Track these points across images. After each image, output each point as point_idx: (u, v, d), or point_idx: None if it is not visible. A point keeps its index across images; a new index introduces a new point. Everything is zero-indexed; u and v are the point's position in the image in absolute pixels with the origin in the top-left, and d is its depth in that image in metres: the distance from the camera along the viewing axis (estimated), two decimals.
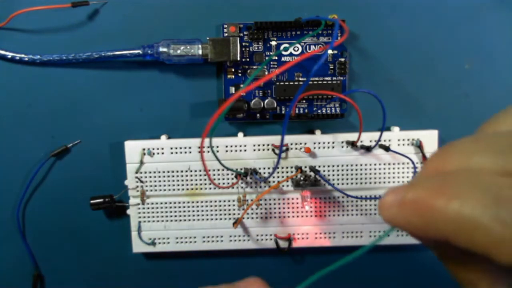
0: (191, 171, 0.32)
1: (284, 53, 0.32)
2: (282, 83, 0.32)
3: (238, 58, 0.31)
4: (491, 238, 0.10)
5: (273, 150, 0.32)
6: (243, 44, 0.32)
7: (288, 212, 0.33)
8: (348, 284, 0.35)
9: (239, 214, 0.33)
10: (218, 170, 0.32)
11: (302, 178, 0.32)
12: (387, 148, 0.32)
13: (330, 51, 0.32)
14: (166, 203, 0.33)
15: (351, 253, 0.15)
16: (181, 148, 0.32)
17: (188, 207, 0.33)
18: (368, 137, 0.32)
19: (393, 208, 0.12)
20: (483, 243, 0.11)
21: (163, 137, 0.33)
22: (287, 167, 0.32)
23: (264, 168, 0.32)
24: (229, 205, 0.33)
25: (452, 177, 0.11)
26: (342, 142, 0.32)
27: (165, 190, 0.33)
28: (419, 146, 0.32)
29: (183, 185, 0.33)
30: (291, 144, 0.32)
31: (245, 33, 0.32)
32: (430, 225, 0.12)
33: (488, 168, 0.11)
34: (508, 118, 0.14)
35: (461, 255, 0.12)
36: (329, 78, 0.32)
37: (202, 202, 0.33)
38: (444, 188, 0.11)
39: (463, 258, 0.13)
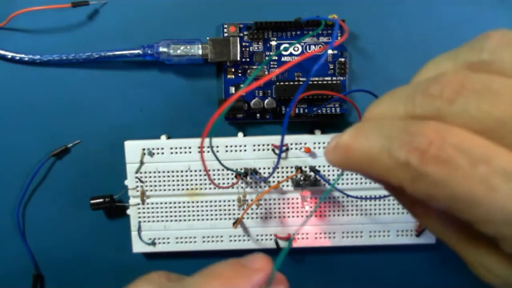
0: (191, 171, 0.32)
1: (284, 53, 0.32)
2: (282, 83, 0.32)
3: (238, 58, 0.31)
4: (383, 166, 0.14)
5: (273, 150, 0.32)
6: (243, 44, 0.32)
7: (288, 212, 0.33)
8: (347, 284, 0.35)
9: (239, 214, 0.33)
10: (218, 170, 0.32)
11: (302, 178, 0.32)
12: None
13: (330, 51, 0.32)
14: (166, 203, 0.33)
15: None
16: (181, 148, 0.32)
17: (188, 207, 0.33)
18: None
19: (330, 152, 0.16)
20: (380, 171, 0.14)
21: (163, 137, 0.33)
22: (287, 167, 0.33)
23: (264, 168, 0.32)
24: (229, 205, 0.33)
25: (364, 124, 0.15)
26: None
27: (165, 190, 0.33)
28: None
29: (183, 185, 0.33)
30: (291, 144, 0.32)
31: (245, 33, 0.32)
32: (351, 162, 0.15)
33: (391, 113, 0.15)
34: (431, 68, 0.17)
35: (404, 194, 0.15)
36: (329, 78, 0.32)
37: (202, 202, 0.33)
38: (357, 133, 0.15)
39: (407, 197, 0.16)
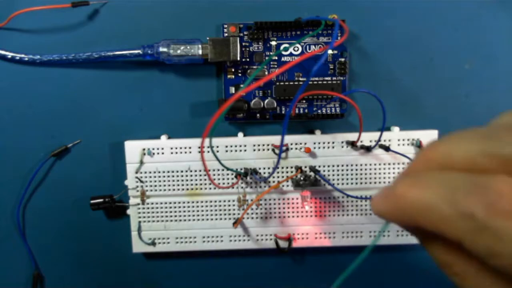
0: (191, 171, 0.32)
1: (284, 53, 0.32)
2: (282, 83, 0.32)
3: (238, 58, 0.31)
4: (441, 217, 0.13)
5: (273, 150, 0.32)
6: (243, 44, 0.32)
7: (288, 212, 0.33)
8: (347, 284, 0.35)
9: (239, 214, 0.33)
10: (218, 170, 0.32)
11: (302, 178, 0.32)
12: (387, 148, 0.32)
13: (330, 51, 0.32)
14: (166, 203, 0.33)
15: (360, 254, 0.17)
16: (181, 148, 0.32)
17: (188, 207, 0.33)
18: (368, 137, 0.32)
19: (379, 201, 0.15)
20: (436, 222, 0.13)
21: (163, 137, 0.33)
22: (287, 167, 0.32)
23: (264, 168, 0.32)
24: (229, 205, 0.33)
25: (423, 174, 0.14)
26: (342, 142, 0.32)
27: (165, 190, 0.33)
28: (419, 146, 0.32)
29: (183, 185, 0.33)
30: (291, 144, 0.32)
31: (245, 33, 0.32)
32: (404, 213, 0.14)
33: (461, 157, 0.14)
34: (507, 116, 0.15)
35: (437, 239, 0.14)
36: (329, 78, 0.32)
37: (202, 202, 0.33)
38: (416, 181, 0.14)
39: (439, 241, 0.15)
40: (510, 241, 0.12)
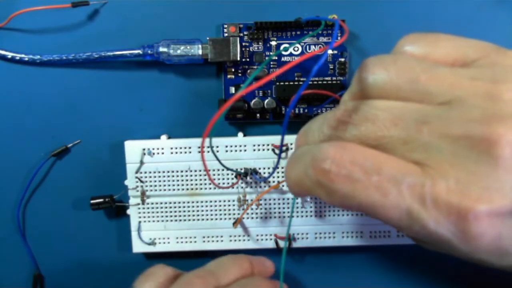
0: (191, 171, 0.32)
1: (284, 53, 0.32)
2: (282, 83, 0.32)
3: (238, 58, 0.31)
4: (308, 187, 0.18)
5: (273, 150, 0.32)
6: (243, 44, 0.32)
7: (288, 212, 0.33)
8: (347, 284, 0.35)
9: (239, 214, 0.33)
10: (218, 170, 0.32)
11: None
12: None
13: (330, 51, 0.32)
14: (166, 203, 0.33)
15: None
16: (181, 148, 0.32)
17: (188, 207, 0.33)
18: None
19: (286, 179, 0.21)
20: (308, 192, 0.18)
21: (163, 137, 0.33)
22: None
23: (264, 168, 0.32)
24: (229, 205, 0.33)
25: (291, 157, 0.20)
26: None
27: (165, 190, 0.33)
28: None
29: (183, 185, 0.33)
30: (291, 144, 0.32)
31: (245, 33, 0.32)
32: (294, 190, 0.20)
33: (310, 141, 0.20)
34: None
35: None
36: (329, 78, 0.32)
37: (202, 202, 0.33)
38: (288, 166, 0.20)
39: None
40: (351, 197, 0.16)
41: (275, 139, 0.32)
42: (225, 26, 0.32)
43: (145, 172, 0.32)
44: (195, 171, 0.32)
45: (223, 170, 0.32)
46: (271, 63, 0.33)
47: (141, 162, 0.32)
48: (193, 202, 0.33)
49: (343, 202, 0.17)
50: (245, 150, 0.32)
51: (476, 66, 0.17)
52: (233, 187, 0.32)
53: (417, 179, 0.15)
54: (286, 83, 0.32)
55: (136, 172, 0.32)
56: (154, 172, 0.32)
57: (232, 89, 0.33)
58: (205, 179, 0.33)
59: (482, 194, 0.15)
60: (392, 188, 0.16)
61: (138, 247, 0.34)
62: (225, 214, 0.33)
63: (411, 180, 0.15)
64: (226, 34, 0.32)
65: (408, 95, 0.17)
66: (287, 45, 0.32)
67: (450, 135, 0.15)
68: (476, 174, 0.15)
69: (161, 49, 0.31)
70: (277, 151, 0.32)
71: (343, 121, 0.18)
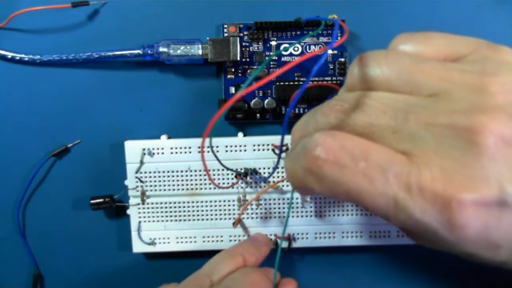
0: (191, 171, 0.32)
1: (284, 53, 0.32)
2: (282, 83, 0.32)
3: (238, 58, 0.31)
4: (300, 177, 0.18)
5: (273, 150, 0.32)
6: (243, 44, 0.32)
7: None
8: (347, 284, 0.35)
9: (239, 214, 0.33)
10: (218, 170, 0.32)
11: None
12: None
13: (330, 51, 0.32)
14: (166, 203, 0.33)
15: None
16: (181, 148, 0.32)
17: (188, 207, 0.33)
18: None
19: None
20: (300, 182, 0.19)
21: (163, 137, 0.33)
22: None
23: (264, 168, 0.32)
24: (229, 205, 0.33)
25: (290, 150, 0.21)
26: None
27: (165, 190, 0.33)
28: None
29: (183, 185, 0.33)
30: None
31: (245, 33, 0.32)
32: (292, 182, 0.20)
33: (304, 133, 0.20)
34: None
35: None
36: (329, 78, 0.32)
37: (202, 202, 0.33)
38: (286, 159, 0.20)
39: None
40: (339, 183, 0.17)
41: (275, 139, 0.32)
42: (225, 26, 0.32)
43: (145, 172, 0.32)
44: (195, 171, 0.32)
45: (223, 170, 0.32)
46: (271, 63, 0.33)
47: (141, 162, 0.32)
48: (193, 202, 0.33)
49: (332, 189, 0.17)
50: (245, 150, 0.32)
51: (466, 61, 0.18)
52: (233, 187, 0.32)
53: (403, 167, 0.16)
54: (286, 83, 0.32)
55: (136, 172, 0.32)
56: (154, 172, 0.32)
57: (232, 89, 0.33)
58: (205, 179, 0.33)
59: (467, 183, 0.15)
60: (379, 175, 0.16)
61: (138, 247, 0.34)
62: (225, 214, 0.33)
63: (397, 169, 0.16)
64: (226, 34, 0.32)
65: (398, 87, 0.17)
66: (287, 45, 0.32)
67: (436, 124, 0.16)
68: (460, 163, 0.15)
69: (161, 49, 0.31)
70: (277, 151, 0.32)
71: (336, 109, 0.18)
